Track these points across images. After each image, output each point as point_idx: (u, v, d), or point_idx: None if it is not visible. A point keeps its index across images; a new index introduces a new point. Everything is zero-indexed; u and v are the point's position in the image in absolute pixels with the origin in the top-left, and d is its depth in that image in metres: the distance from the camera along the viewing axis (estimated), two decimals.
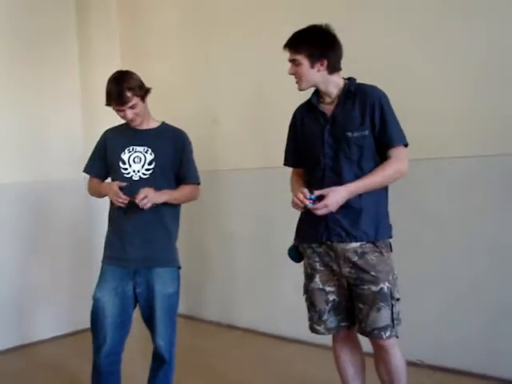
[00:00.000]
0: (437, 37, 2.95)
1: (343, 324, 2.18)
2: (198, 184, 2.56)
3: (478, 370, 2.87)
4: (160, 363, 2.48)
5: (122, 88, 2.31)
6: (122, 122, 2.54)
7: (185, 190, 2.48)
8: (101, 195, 2.52)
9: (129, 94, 2.33)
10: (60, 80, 4.11)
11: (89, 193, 2.63)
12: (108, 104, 2.39)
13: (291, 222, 3.58)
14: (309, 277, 2.21)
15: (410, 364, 2.92)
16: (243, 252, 4.02)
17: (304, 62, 2.10)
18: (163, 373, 2.48)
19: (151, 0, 4.61)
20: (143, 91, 2.41)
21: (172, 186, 2.48)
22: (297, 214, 3.34)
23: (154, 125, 2.52)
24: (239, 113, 3.97)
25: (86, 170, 2.61)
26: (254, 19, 3.82)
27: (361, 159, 2.09)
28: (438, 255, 2.98)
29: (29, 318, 3.90)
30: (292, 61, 2.13)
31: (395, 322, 2.07)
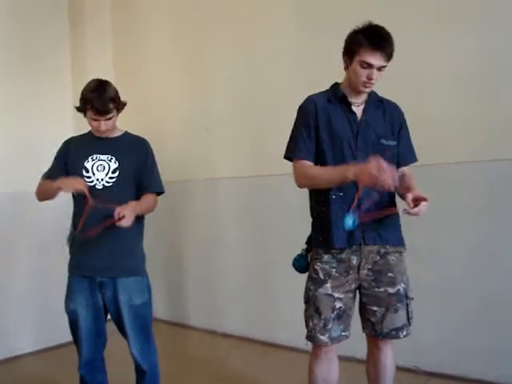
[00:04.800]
0: (434, 39, 2.96)
1: (344, 334, 2.13)
2: (162, 193, 2.53)
3: (475, 375, 2.86)
4: (140, 374, 2.48)
5: (106, 98, 2.28)
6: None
7: (149, 201, 2.44)
8: (51, 191, 2.33)
9: (111, 106, 2.30)
10: (54, 93, 4.12)
11: (37, 195, 2.46)
12: (82, 110, 2.34)
13: (285, 229, 3.64)
14: (319, 282, 2.12)
15: (405, 370, 2.96)
16: (237, 260, 4.01)
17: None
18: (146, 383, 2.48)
19: (145, 12, 4.62)
20: (121, 104, 2.39)
21: (133, 195, 2.44)
22: (291, 222, 3.33)
23: (117, 134, 2.48)
24: (232, 121, 3.98)
25: (47, 175, 2.46)
26: (248, 28, 3.84)
27: None
28: (433, 261, 2.98)
29: (13, 332, 3.83)
30: (381, 67, 2.02)
31: (410, 320, 2.13)
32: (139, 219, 2.47)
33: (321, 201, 2.13)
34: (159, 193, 2.53)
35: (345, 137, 2.08)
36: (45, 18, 4.20)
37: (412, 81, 3.00)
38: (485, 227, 2.84)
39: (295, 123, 2.18)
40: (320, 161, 2.10)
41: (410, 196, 1.96)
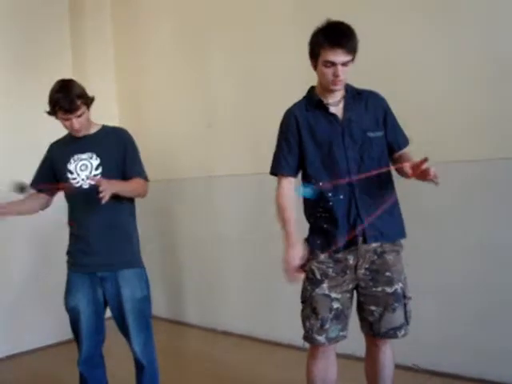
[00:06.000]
0: (437, 37, 2.95)
1: (342, 334, 2.13)
2: (146, 180, 2.53)
3: (475, 374, 2.86)
4: (140, 369, 2.50)
5: (72, 96, 2.29)
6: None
7: (136, 184, 2.45)
8: None
9: (78, 102, 2.31)
10: None
11: None
12: (52, 113, 2.36)
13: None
14: (315, 282, 2.11)
15: (405, 369, 2.97)
16: (238, 258, 4.02)
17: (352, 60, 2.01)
18: (146, 378, 2.49)
19: (146, 12, 4.64)
20: (89, 99, 2.40)
21: None
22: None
23: (94, 129, 2.49)
24: (232, 120, 3.99)
25: (33, 180, 2.55)
26: (248, 28, 3.85)
27: (381, 159, 2.11)
28: (435, 259, 2.98)
29: (14, 330, 3.85)
30: (345, 63, 1.98)
31: (408, 320, 2.12)
32: (129, 210, 2.51)
33: (319, 206, 2.12)
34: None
35: (332, 139, 2.08)
36: (45, 17, 4.22)
37: (412, 80, 3.00)
38: (485, 227, 2.84)
39: (277, 139, 2.20)
40: (311, 170, 2.12)
41: (407, 164, 1.95)
